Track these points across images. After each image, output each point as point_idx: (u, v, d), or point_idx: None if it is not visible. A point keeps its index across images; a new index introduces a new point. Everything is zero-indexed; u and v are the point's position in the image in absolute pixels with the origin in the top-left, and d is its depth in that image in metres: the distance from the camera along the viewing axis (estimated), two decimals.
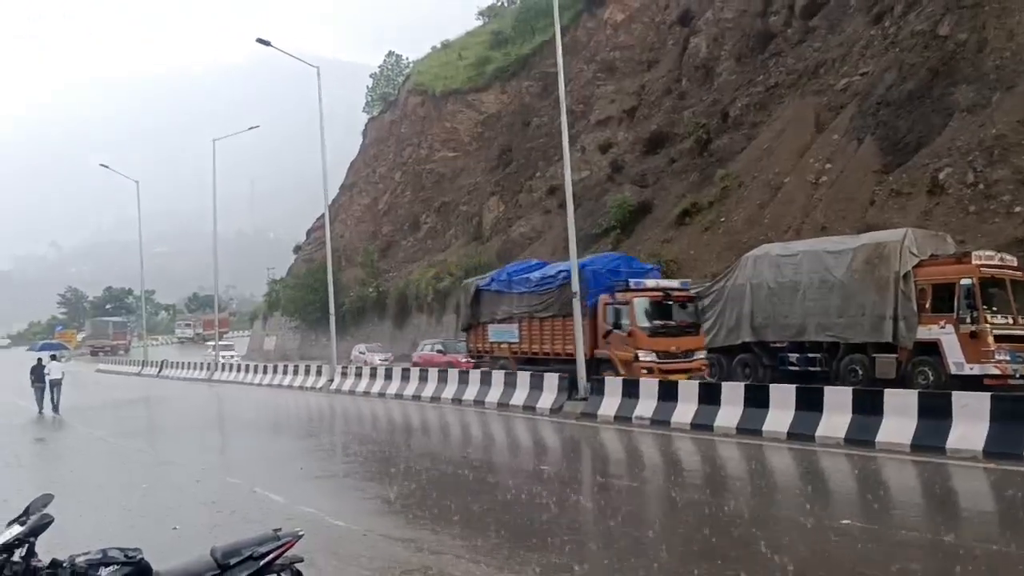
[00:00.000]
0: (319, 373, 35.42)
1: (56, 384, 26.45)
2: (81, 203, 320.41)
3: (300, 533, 5.56)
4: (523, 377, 23.39)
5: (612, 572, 7.80)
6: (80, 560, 4.88)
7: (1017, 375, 18.97)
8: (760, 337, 24.04)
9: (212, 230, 51.72)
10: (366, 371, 32.22)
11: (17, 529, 4.77)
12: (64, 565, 4.82)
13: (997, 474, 11.78)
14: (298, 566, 5.48)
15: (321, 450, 18.31)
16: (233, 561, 5.25)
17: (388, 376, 29.90)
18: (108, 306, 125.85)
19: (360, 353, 45.78)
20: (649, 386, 18.97)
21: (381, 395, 28.68)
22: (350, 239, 70.37)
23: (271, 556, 5.33)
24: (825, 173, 32.33)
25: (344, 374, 33.27)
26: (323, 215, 43.03)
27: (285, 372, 38.58)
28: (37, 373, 26.99)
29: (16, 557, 4.74)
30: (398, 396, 27.64)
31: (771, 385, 17.15)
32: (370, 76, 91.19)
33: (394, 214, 68.72)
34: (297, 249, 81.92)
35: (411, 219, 65.74)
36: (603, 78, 53.14)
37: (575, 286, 22.50)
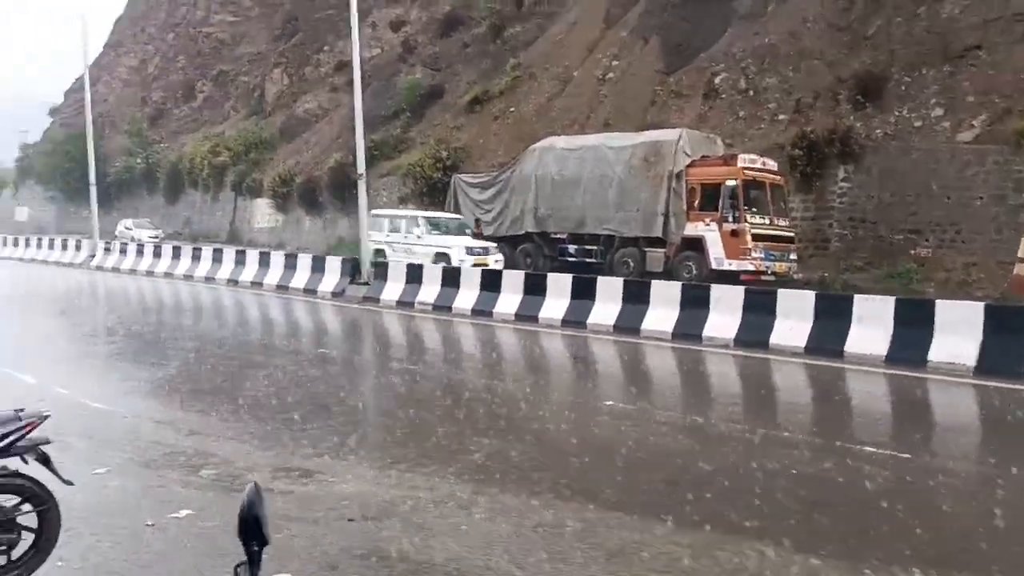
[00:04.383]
0: (79, 248, 32.85)
1: None
2: None
3: (46, 413, 5.10)
4: (304, 260, 22.82)
5: (387, 450, 7.84)
6: None
7: (769, 271, 20.71)
8: (542, 228, 24.66)
9: None
10: (132, 247, 30.22)
11: None
12: None
13: (744, 360, 12.91)
14: (45, 448, 5.04)
15: (81, 329, 17.05)
16: None
17: (157, 253, 28.21)
18: None
19: (126, 228, 42.98)
20: (432, 272, 19.05)
21: (149, 273, 27.08)
22: (115, 103, 64.63)
23: (12, 438, 4.87)
24: (612, 70, 33.07)
25: (108, 250, 31.07)
26: (83, 75, 39.04)
27: (40, 245, 35.46)
28: None
29: None
30: (168, 275, 26.20)
31: (549, 274, 17.71)
32: None
33: (165, 80, 63.57)
34: (54, 111, 74.39)
35: (185, 87, 61.12)
36: None
37: (360, 167, 21.98)
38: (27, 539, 5.04)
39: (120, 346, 14.51)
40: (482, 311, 17.02)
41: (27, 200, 65.65)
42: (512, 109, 34.82)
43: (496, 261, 23.07)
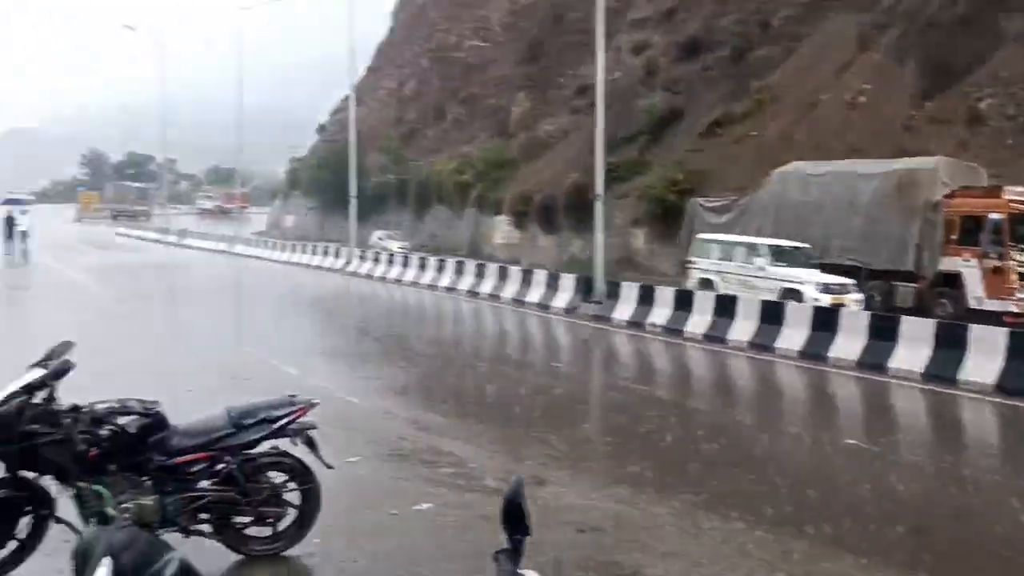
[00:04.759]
0: (337, 255, 35.70)
1: (25, 235, 31.67)
2: (108, 64, 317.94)
3: (315, 401, 5.63)
4: (540, 275, 23.42)
5: (615, 465, 7.91)
6: (100, 407, 4.98)
7: None
8: None
9: (236, 102, 51.29)
10: (384, 257, 32.45)
11: (39, 372, 4.84)
12: (84, 411, 4.91)
13: (1006, 409, 11.79)
14: (311, 433, 5.56)
15: (336, 329, 18.52)
16: (248, 422, 5.35)
17: (405, 263, 30.05)
18: (129, 171, 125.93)
19: (379, 239, 46.15)
20: (665, 294, 18.95)
21: (397, 281, 28.83)
22: (373, 123, 69.51)
23: (285, 420, 5.42)
24: (863, 94, 31.44)
25: (362, 258, 33.56)
26: (347, 96, 42.43)
27: (304, 251, 38.92)
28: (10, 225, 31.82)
29: (37, 399, 4.83)
30: (414, 284, 27.78)
31: (788, 303, 17.07)
32: None
33: (419, 101, 67.64)
34: (320, 129, 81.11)
35: (436, 108, 64.72)
36: None
37: (599, 188, 22.28)
38: (291, 515, 5.58)
39: (369, 346, 15.63)
40: (714, 336, 16.67)
41: (293, 209, 72.00)
42: (754, 133, 33.96)
43: (856, 301, 19.32)
